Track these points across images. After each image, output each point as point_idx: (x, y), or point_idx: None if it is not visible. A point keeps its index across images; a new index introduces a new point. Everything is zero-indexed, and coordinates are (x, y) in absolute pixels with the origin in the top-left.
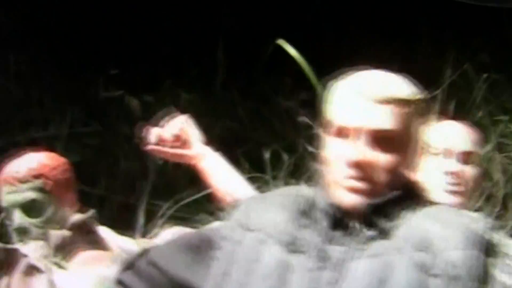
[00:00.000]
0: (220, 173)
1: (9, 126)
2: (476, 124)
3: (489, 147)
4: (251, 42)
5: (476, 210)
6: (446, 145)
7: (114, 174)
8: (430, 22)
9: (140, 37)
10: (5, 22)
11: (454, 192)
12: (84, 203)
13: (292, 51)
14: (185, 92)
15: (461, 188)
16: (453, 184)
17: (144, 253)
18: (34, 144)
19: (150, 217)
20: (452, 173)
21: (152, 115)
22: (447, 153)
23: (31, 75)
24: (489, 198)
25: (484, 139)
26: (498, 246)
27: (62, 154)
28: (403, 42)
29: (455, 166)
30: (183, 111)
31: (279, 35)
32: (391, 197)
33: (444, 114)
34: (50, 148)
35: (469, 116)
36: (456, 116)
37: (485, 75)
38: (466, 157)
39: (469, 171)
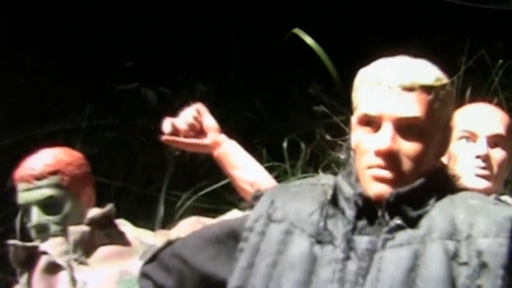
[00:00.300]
0: (236, 161)
1: (26, 120)
2: None
3: None
4: (265, 32)
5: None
6: (475, 128)
7: (132, 166)
8: (445, 9)
9: (155, 30)
10: (19, 17)
11: (483, 176)
12: (103, 195)
13: (308, 40)
14: (201, 84)
15: (490, 172)
16: (482, 168)
17: (167, 245)
18: (52, 138)
19: (170, 208)
20: (481, 157)
21: (168, 107)
22: (476, 137)
23: (47, 69)
24: (506, 184)
25: None
26: None
27: (79, 147)
28: (418, 29)
29: (484, 149)
30: (199, 102)
31: (293, 25)
32: (417, 185)
33: (460, 100)
34: (67, 141)
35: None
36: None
37: (500, 61)
38: (494, 140)
39: (498, 154)
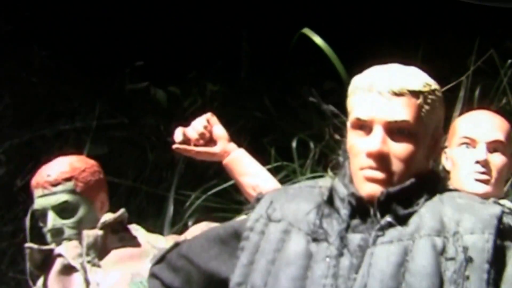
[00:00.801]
0: (245, 168)
1: (36, 119)
2: (501, 110)
3: None
4: (275, 32)
5: (502, 198)
6: (475, 135)
7: (141, 165)
8: (454, 9)
9: (165, 29)
10: (30, 17)
11: (482, 181)
12: (113, 194)
13: (317, 40)
14: (211, 83)
15: (489, 177)
16: (481, 173)
17: (175, 246)
18: (62, 137)
19: (179, 207)
20: (480, 162)
21: (178, 106)
22: (476, 143)
23: (57, 68)
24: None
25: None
26: None
27: (89, 146)
28: (428, 29)
29: (483, 155)
30: (209, 102)
31: (303, 25)
32: (407, 185)
33: (469, 100)
34: (77, 140)
35: (494, 102)
36: (481, 103)
37: (509, 61)
38: (494, 146)
39: (497, 159)
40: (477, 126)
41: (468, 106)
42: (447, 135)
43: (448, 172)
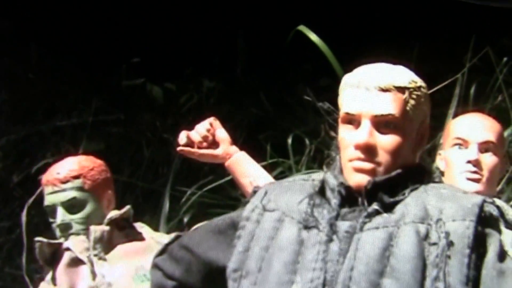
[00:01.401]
0: (246, 170)
1: (33, 115)
2: (497, 108)
3: (509, 130)
4: (271, 29)
5: (498, 193)
6: (467, 136)
7: (137, 161)
8: (450, 6)
9: (161, 26)
10: (27, 14)
11: (474, 180)
12: None
13: (313, 36)
14: (207, 80)
15: (481, 176)
16: (473, 172)
17: (176, 238)
18: (58, 133)
19: (175, 203)
20: (471, 161)
21: (174, 103)
22: (468, 143)
23: (54, 65)
24: (510, 181)
25: (505, 123)
26: (497, 220)
27: (85, 142)
28: (424, 26)
29: (475, 155)
30: (205, 99)
31: (299, 22)
32: (394, 175)
33: (465, 97)
34: (73, 136)
35: (490, 100)
36: (477, 100)
37: (505, 59)
38: (485, 147)
39: (488, 159)
40: (469, 127)
41: (464, 103)
42: (442, 133)
43: (442, 173)
